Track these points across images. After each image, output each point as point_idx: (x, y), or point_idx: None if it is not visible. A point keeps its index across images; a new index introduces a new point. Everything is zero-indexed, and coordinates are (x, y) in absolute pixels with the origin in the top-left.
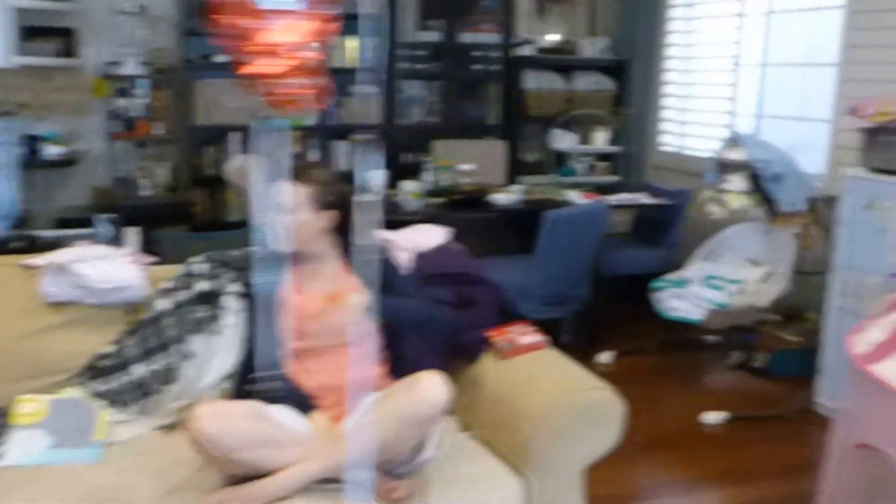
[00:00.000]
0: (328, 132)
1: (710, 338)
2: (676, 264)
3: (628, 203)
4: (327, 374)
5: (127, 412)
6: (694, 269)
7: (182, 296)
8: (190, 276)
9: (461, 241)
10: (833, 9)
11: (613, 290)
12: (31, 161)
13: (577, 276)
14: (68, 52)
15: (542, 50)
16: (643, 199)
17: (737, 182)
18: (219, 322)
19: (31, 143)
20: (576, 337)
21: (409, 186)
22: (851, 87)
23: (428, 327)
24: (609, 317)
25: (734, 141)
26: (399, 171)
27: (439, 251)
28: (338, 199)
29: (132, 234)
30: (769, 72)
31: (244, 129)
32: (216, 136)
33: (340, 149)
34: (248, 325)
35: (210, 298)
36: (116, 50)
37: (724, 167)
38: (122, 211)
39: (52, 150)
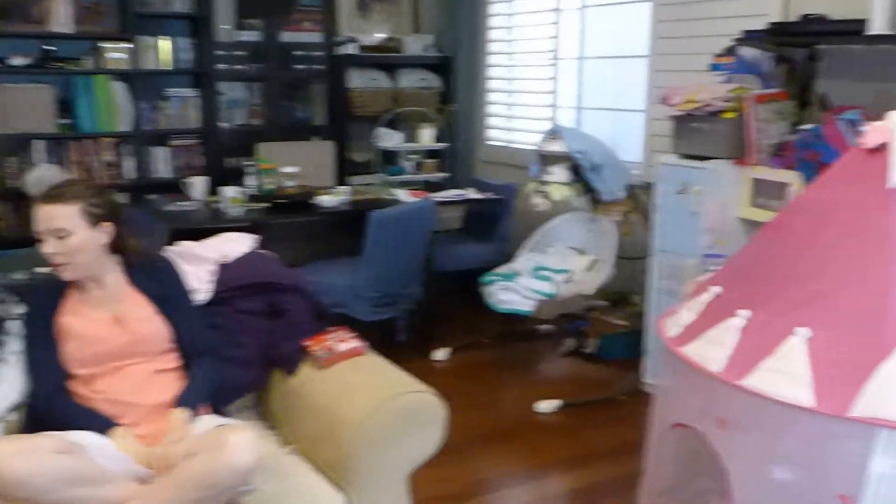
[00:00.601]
0: (144, 138)
1: (544, 327)
2: (508, 257)
3: (456, 199)
4: (122, 394)
5: None
6: (522, 260)
7: None
8: None
9: (286, 246)
10: (642, 2)
11: (447, 286)
12: None
13: (407, 275)
14: None
15: (366, 48)
16: (471, 194)
17: (558, 174)
18: (3, 349)
19: None
20: (411, 336)
21: (229, 192)
22: (661, 77)
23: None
24: (444, 313)
25: (554, 133)
26: (223, 176)
27: (247, 260)
28: (109, 210)
29: None
30: (587, 65)
31: (49, 137)
32: (17, 145)
33: (158, 155)
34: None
35: None
36: None
37: (546, 159)
38: None
39: None
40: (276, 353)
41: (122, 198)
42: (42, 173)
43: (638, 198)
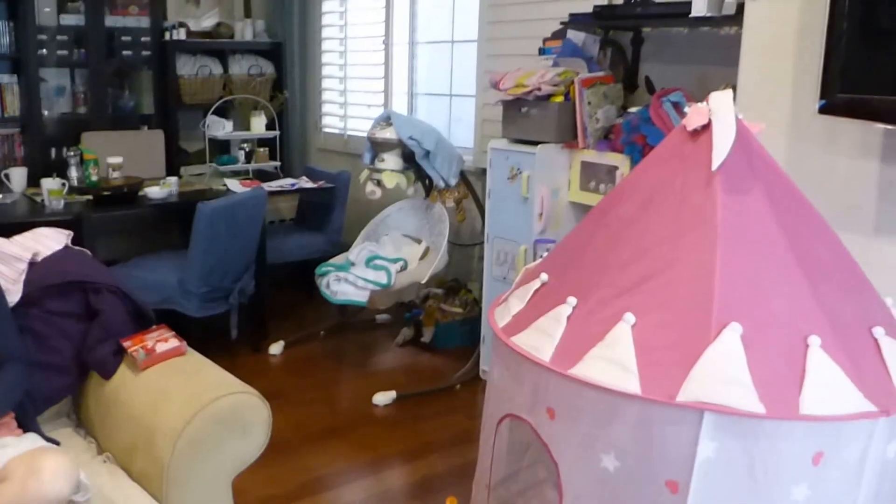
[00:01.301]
0: None
1: (381, 317)
2: (343, 247)
3: (288, 189)
4: None
5: None
6: (356, 250)
7: None
8: None
9: (111, 240)
10: None
11: (281, 278)
12: None
13: (239, 268)
14: None
15: (195, 34)
16: (304, 183)
17: (391, 161)
18: None
19: None
20: (245, 331)
21: (49, 184)
22: (491, 61)
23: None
24: (278, 307)
25: (386, 120)
26: (47, 167)
27: (59, 257)
28: None
29: None
30: (420, 50)
31: None
32: None
33: None
34: None
35: None
36: None
37: (378, 146)
38: None
39: None
40: (91, 356)
41: None
42: None
43: (471, 184)
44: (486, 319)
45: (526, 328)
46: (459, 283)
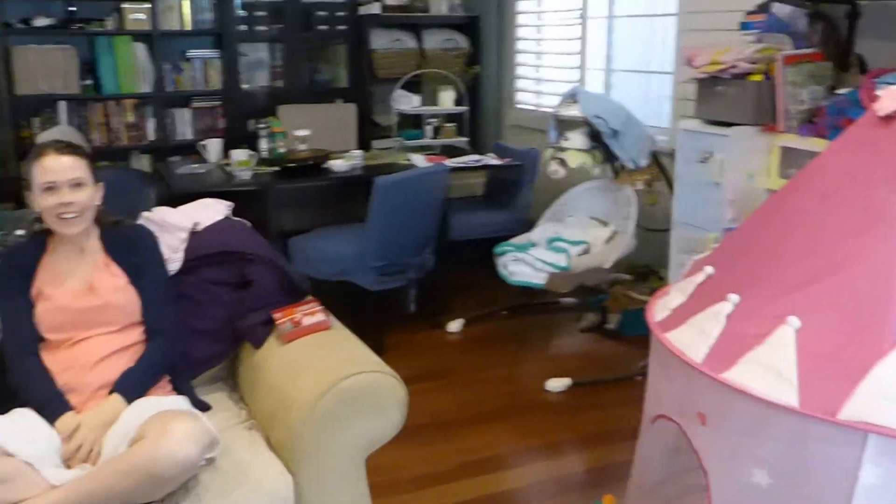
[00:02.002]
0: (165, 100)
1: (566, 300)
2: (529, 226)
3: (473, 165)
4: (76, 368)
5: None
6: (539, 231)
7: None
8: None
9: (293, 211)
10: None
11: (465, 255)
12: None
13: (418, 243)
14: None
15: (390, 7)
16: (490, 160)
17: (576, 139)
18: None
19: None
20: (423, 306)
21: (238, 155)
22: (689, 36)
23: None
24: (460, 283)
25: (572, 97)
26: (243, 138)
27: (218, 228)
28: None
29: None
30: (617, 24)
31: (73, 99)
32: (41, 105)
33: (180, 117)
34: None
35: None
36: None
37: (564, 125)
38: None
39: None
40: (242, 324)
41: (143, 159)
42: (56, 132)
43: (663, 166)
44: None
45: (682, 324)
46: (650, 269)
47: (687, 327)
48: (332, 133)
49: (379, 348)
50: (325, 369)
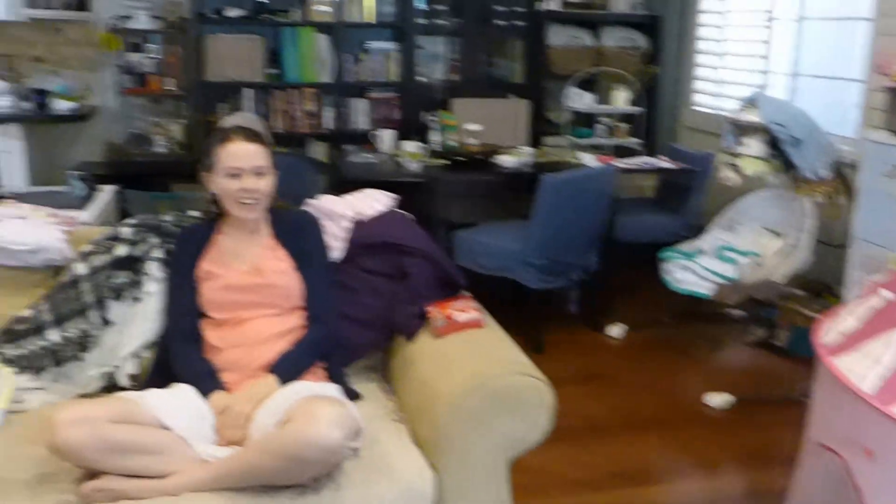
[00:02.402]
0: (344, 90)
1: (734, 312)
2: (698, 232)
3: (643, 167)
4: (241, 347)
5: (40, 379)
6: (709, 238)
7: (99, 260)
8: (112, 240)
9: (459, 204)
10: None
11: (631, 258)
12: (40, 115)
13: (582, 244)
14: (79, 5)
15: (569, 4)
16: (662, 163)
17: (753, 146)
18: (140, 289)
19: (39, 97)
20: (584, 308)
21: (409, 147)
22: (885, 42)
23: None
24: (625, 287)
25: (752, 102)
26: (416, 130)
27: (380, 219)
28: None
29: (105, 193)
30: (806, 26)
31: (257, 86)
32: (228, 92)
33: (356, 107)
34: (168, 294)
35: (131, 264)
36: (127, 3)
37: (741, 130)
38: (134, 168)
39: (61, 105)
40: (396, 316)
41: (320, 147)
42: (239, 118)
43: (847, 179)
44: None
45: (853, 350)
46: (824, 285)
47: (858, 354)
48: (503, 128)
49: (537, 347)
50: (475, 367)
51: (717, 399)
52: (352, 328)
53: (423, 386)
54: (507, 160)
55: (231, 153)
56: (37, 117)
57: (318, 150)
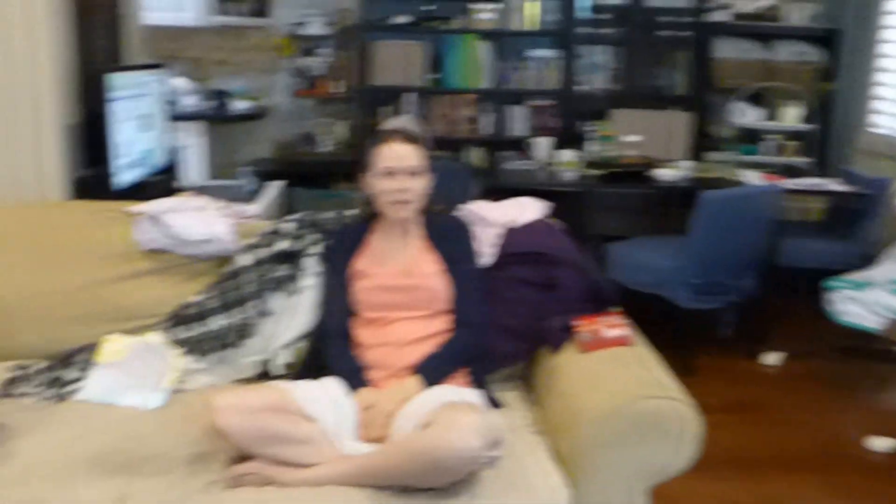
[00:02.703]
0: (503, 97)
1: None
2: (869, 263)
3: (812, 189)
4: (388, 346)
5: (205, 362)
6: (882, 270)
7: (262, 253)
8: (274, 234)
9: (612, 216)
10: None
11: (792, 283)
12: (220, 114)
13: (739, 265)
14: (261, 12)
15: (741, 16)
16: (833, 185)
17: None
18: (298, 282)
19: (220, 97)
20: (737, 332)
21: (565, 155)
22: None
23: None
24: (783, 313)
25: None
26: (573, 139)
27: (532, 227)
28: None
29: (272, 188)
30: None
31: (418, 91)
32: (391, 96)
33: (514, 114)
34: (322, 289)
35: (290, 258)
36: (302, 11)
37: None
38: (300, 166)
39: (239, 105)
40: (542, 326)
41: (476, 152)
42: (399, 121)
43: None
44: None
45: None
46: None
47: None
48: (662, 141)
49: (686, 370)
50: (620, 387)
51: (881, 443)
52: (498, 336)
53: (566, 401)
54: (664, 174)
55: (386, 154)
56: (217, 116)
57: (475, 156)
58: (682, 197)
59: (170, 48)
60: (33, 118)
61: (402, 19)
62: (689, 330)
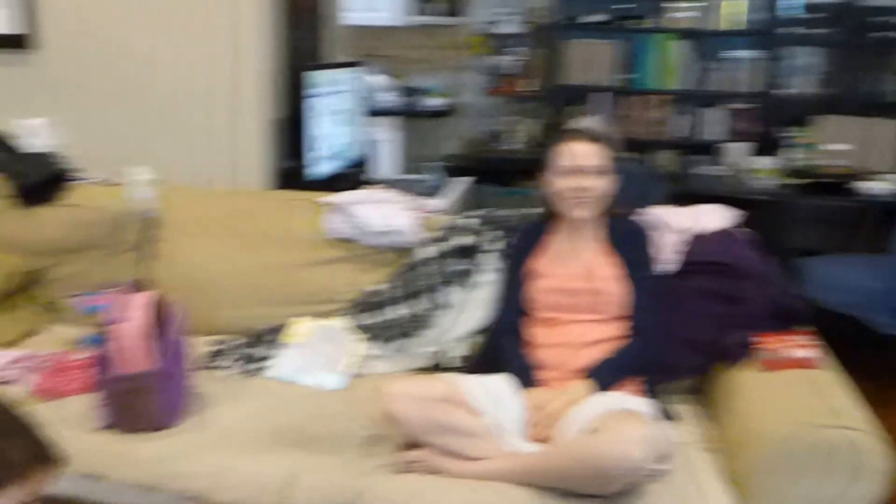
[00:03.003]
0: (696, 98)
1: None
2: None
3: None
4: (561, 347)
5: (385, 348)
6: None
7: (445, 246)
8: (453, 229)
9: (806, 229)
10: None
11: None
12: (414, 110)
13: None
14: (454, 11)
15: None
16: None
17: None
18: (477, 277)
19: (414, 94)
20: None
21: (762, 162)
22: None
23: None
24: None
25: None
26: (768, 145)
27: (719, 236)
28: (614, 163)
29: (459, 184)
30: None
31: (609, 90)
32: (581, 95)
33: (707, 116)
34: (499, 286)
35: (472, 253)
36: (495, 10)
37: None
38: (487, 162)
39: (432, 102)
40: (724, 340)
41: (666, 155)
42: (586, 121)
43: None
44: None
45: None
46: None
47: None
48: (874, 151)
49: (880, 401)
50: (803, 411)
51: None
52: (675, 347)
53: (744, 420)
54: (871, 186)
55: (569, 152)
56: (412, 112)
57: (664, 159)
58: (889, 213)
59: (369, 47)
60: (241, 113)
61: (596, 18)
62: (889, 358)
